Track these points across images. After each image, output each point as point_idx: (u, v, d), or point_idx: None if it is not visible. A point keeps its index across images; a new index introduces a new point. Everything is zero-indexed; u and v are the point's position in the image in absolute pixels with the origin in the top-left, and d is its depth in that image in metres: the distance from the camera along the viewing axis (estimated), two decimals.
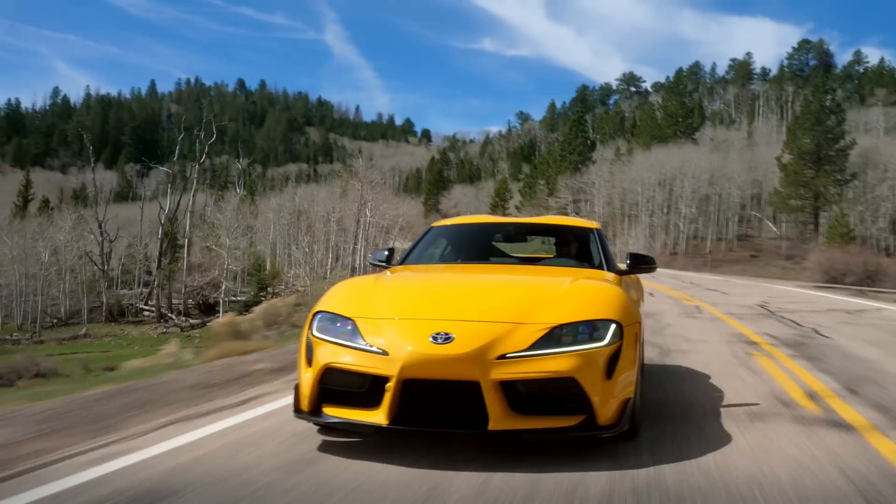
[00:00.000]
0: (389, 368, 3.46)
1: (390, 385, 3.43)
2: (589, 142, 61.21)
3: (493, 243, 5.65)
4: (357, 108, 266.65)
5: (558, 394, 3.49)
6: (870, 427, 4.40)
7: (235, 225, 38.01)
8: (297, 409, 3.77)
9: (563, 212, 52.56)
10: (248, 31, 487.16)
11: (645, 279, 8.25)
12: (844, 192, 56.64)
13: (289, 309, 13.67)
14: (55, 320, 33.30)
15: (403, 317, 3.75)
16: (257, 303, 34.29)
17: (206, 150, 39.52)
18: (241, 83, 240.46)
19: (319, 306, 4.00)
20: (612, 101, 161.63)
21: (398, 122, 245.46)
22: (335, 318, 3.84)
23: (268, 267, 45.31)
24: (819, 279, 31.53)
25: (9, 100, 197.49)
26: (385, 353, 3.52)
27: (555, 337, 3.54)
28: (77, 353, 18.84)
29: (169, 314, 31.44)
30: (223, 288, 32.71)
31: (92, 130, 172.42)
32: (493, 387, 3.38)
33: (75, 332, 29.12)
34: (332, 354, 3.67)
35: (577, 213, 54.25)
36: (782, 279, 33.85)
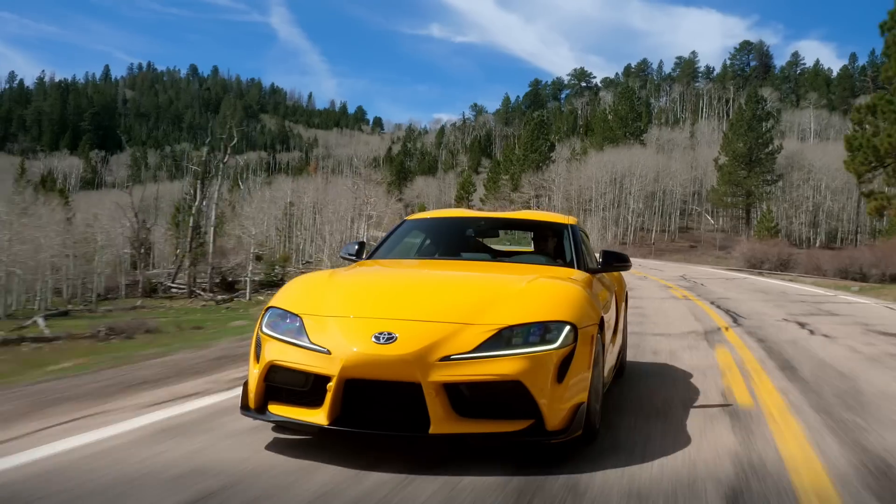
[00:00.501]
0: (331, 368, 3.41)
1: (331, 385, 3.39)
2: (549, 143, 68.38)
3: (474, 237, 5.63)
4: (310, 96, 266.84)
5: (504, 397, 3.43)
6: (707, 302, 11.38)
7: (260, 214, 43.64)
8: (244, 406, 3.72)
9: (526, 206, 59.46)
10: (191, 13, 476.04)
11: None
12: (772, 190, 64.69)
13: None
14: (98, 295, 38.81)
15: (348, 315, 3.71)
16: (271, 282, 40.46)
17: (229, 150, 45.14)
18: (193, 69, 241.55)
19: (272, 302, 4.00)
20: (563, 95, 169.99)
21: (350, 110, 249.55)
22: (285, 314, 3.81)
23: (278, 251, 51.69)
24: (741, 265, 39.02)
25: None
26: (328, 351, 3.48)
27: (503, 338, 3.48)
28: (147, 318, 23.30)
29: (198, 291, 37.33)
30: (250, 268, 38.88)
31: (51, 116, 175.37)
32: (435, 389, 3.33)
33: (125, 305, 34.68)
34: (278, 352, 3.66)
35: (539, 207, 61.14)
36: (711, 265, 41.49)
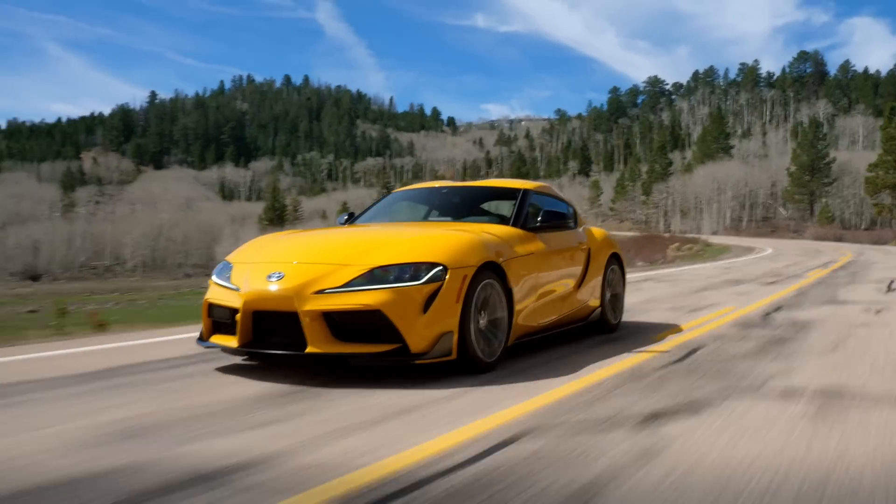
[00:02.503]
0: (238, 302, 4.32)
1: (238, 316, 4.28)
2: (668, 161, 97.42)
3: (444, 203, 6.37)
4: (391, 100, 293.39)
5: (370, 324, 4.12)
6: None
7: None
8: (199, 338, 4.76)
9: (655, 207, 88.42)
10: (238, 11, 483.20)
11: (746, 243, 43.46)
12: (829, 189, 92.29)
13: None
14: None
15: (256, 260, 4.65)
16: None
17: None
18: (287, 79, 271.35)
19: (228, 255, 5.01)
20: (639, 101, 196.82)
21: (427, 111, 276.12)
22: (227, 264, 4.82)
23: None
24: (812, 240, 67.79)
25: (120, 105, 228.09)
26: (237, 289, 4.42)
27: (375, 276, 4.19)
28: None
29: None
30: None
31: (196, 131, 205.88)
32: (311, 316, 4.09)
33: None
34: (213, 292, 4.66)
35: (664, 208, 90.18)
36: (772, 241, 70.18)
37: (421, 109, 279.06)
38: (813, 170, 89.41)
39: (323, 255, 4.54)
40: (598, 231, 6.97)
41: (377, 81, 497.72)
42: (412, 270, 4.24)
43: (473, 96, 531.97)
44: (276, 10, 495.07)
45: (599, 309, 6.51)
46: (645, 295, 10.96)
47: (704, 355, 5.35)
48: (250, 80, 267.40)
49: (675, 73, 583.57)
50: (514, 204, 5.81)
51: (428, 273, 4.23)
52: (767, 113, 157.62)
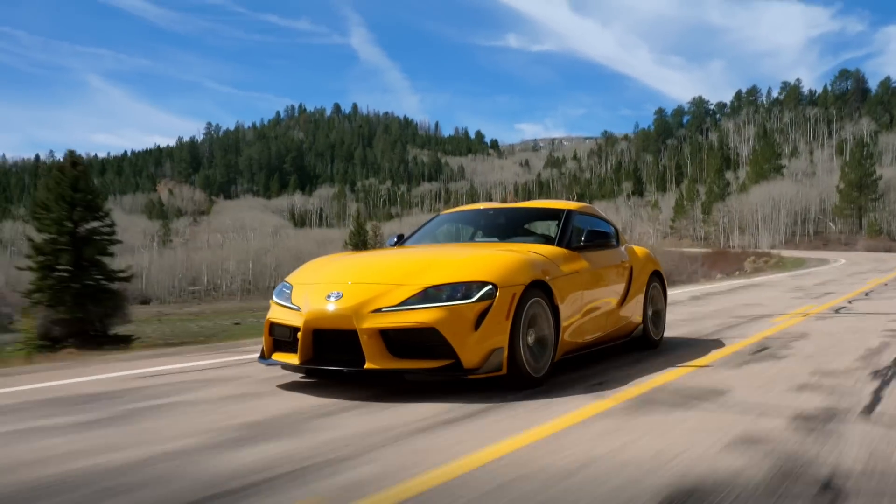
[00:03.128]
0: (299, 321, 4.57)
1: (300, 334, 4.54)
2: (725, 182, 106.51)
3: (490, 224, 6.59)
4: (437, 125, 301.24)
5: (425, 341, 4.34)
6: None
7: None
8: (261, 356, 5.06)
9: (716, 226, 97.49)
10: (274, 38, 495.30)
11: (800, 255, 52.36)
12: (876, 205, 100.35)
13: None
14: None
15: (315, 281, 4.93)
16: None
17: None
18: (336, 107, 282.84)
19: (287, 277, 5.31)
20: (685, 121, 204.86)
21: (471, 135, 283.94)
22: (286, 285, 5.12)
23: None
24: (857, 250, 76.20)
25: (189, 137, 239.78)
26: (299, 308, 4.67)
27: (429, 295, 4.43)
28: None
29: None
30: None
31: (259, 161, 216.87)
32: (369, 334, 4.33)
33: None
34: (275, 312, 4.93)
35: (723, 226, 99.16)
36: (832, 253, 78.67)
37: (466, 133, 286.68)
38: (861, 186, 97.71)
39: (378, 275, 4.81)
40: (639, 249, 7.13)
41: (412, 104, 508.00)
42: (464, 289, 4.45)
43: (507, 116, 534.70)
44: (310, 37, 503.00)
45: (642, 325, 6.68)
46: (795, 283, 19.81)
47: None
48: (302, 109, 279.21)
49: (709, 87, 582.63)
50: (559, 224, 6.04)
51: (479, 291, 4.43)
52: (811, 131, 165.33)
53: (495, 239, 6.23)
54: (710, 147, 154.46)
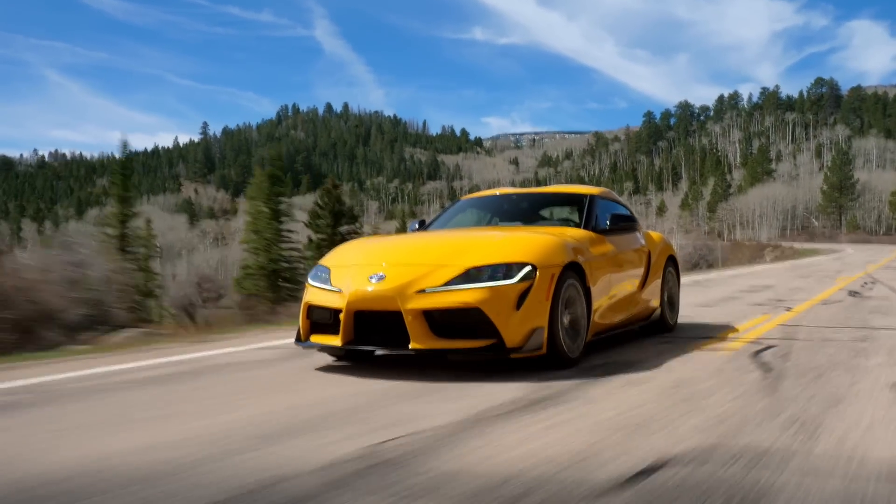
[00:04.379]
0: (341, 303, 4.64)
1: (342, 316, 4.61)
2: (727, 183, 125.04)
3: (512, 208, 6.73)
4: (424, 123, 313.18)
5: (469, 321, 4.43)
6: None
7: None
8: (297, 339, 5.14)
9: (720, 224, 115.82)
10: (236, 31, 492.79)
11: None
12: (854, 204, 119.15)
13: None
14: None
15: (357, 263, 4.96)
16: None
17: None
18: (328, 107, 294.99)
19: (320, 260, 5.39)
20: (672, 122, 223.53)
21: (457, 132, 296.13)
22: (322, 268, 5.16)
23: None
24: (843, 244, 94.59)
25: (201, 136, 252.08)
26: (340, 291, 4.72)
27: (471, 276, 4.51)
28: None
29: None
30: None
31: (274, 161, 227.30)
32: (413, 314, 4.42)
33: None
34: (313, 295, 5.00)
35: (726, 222, 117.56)
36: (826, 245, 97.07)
37: (452, 130, 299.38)
38: (841, 188, 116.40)
39: (417, 256, 4.90)
40: (655, 235, 7.30)
41: (377, 98, 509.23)
42: (505, 270, 4.54)
43: (473, 110, 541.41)
44: (272, 30, 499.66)
45: (659, 309, 6.86)
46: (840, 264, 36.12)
47: None
48: (296, 109, 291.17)
49: (675, 81, 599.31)
50: (583, 208, 6.21)
51: (519, 272, 4.53)
52: (790, 134, 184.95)
53: (519, 223, 6.36)
54: (703, 151, 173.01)
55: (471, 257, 4.67)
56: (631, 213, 6.92)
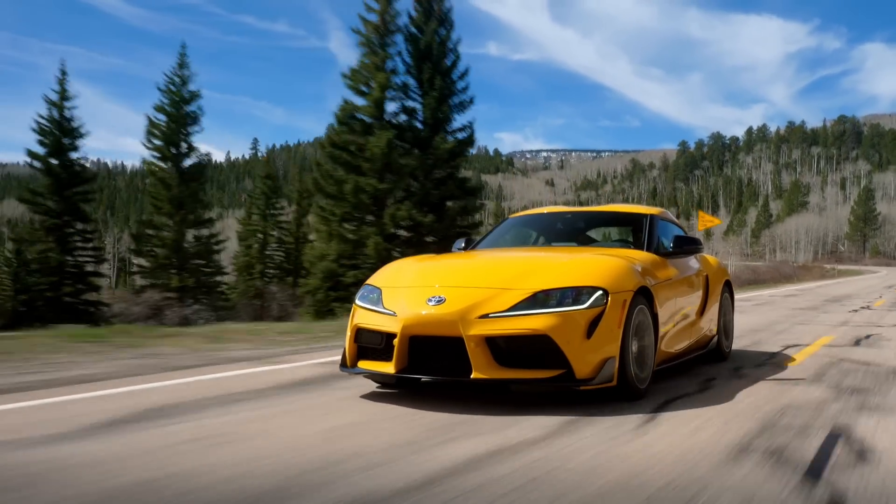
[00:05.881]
0: (395, 327, 4.33)
1: (396, 341, 4.31)
2: (769, 213, 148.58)
3: (566, 228, 6.49)
4: None
5: (536, 349, 4.16)
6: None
7: None
8: (342, 364, 4.80)
9: (764, 249, 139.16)
10: (250, 40, 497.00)
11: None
12: (877, 232, 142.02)
13: None
14: None
15: (412, 285, 4.68)
16: None
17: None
18: None
19: (367, 280, 5.05)
20: (705, 147, 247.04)
21: (490, 152, 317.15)
22: (371, 288, 4.83)
23: None
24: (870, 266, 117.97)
25: (252, 151, 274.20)
26: (394, 314, 4.41)
27: (538, 300, 4.24)
28: None
29: None
30: None
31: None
32: (475, 341, 4.13)
33: None
34: (362, 317, 4.66)
35: (770, 248, 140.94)
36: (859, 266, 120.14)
37: (486, 150, 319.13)
38: (865, 219, 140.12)
39: (478, 279, 4.62)
40: (712, 259, 7.05)
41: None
42: (574, 294, 4.29)
43: (487, 125, 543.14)
44: (288, 40, 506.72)
45: (716, 337, 6.61)
46: None
47: None
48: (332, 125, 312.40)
49: (687, 99, 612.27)
50: (643, 229, 5.91)
51: (590, 297, 4.28)
52: (815, 166, 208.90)
53: (573, 244, 6.13)
54: (740, 181, 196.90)
55: (537, 280, 4.43)
56: (691, 235, 6.17)
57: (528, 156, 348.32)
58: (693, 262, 6.28)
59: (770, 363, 6.64)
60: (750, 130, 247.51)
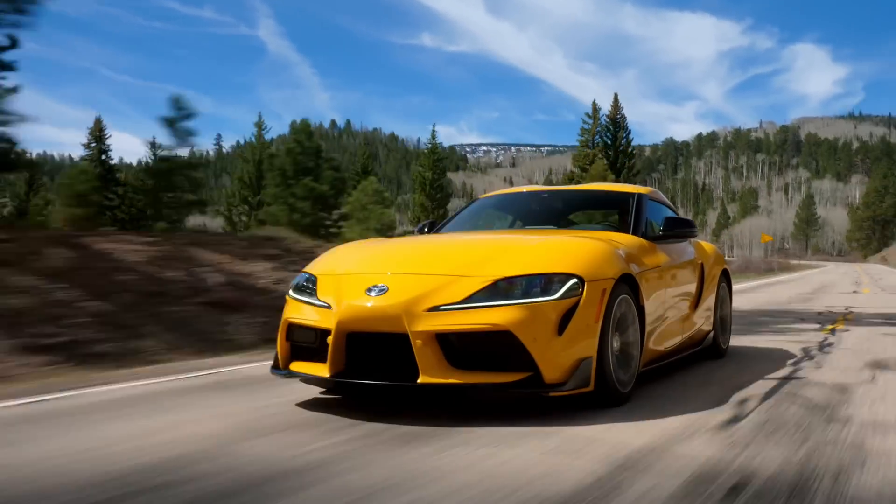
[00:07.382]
0: (330, 322, 3.67)
1: (330, 338, 3.64)
2: (727, 215, 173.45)
3: (543, 209, 5.89)
4: (419, 140, 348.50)
5: (497, 348, 3.54)
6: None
7: None
8: (273, 366, 4.15)
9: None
10: (176, 26, 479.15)
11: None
12: (817, 233, 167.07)
13: None
14: None
15: (352, 271, 4.01)
16: None
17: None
18: (332, 123, 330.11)
19: (306, 267, 4.41)
20: (658, 150, 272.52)
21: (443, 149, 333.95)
22: (308, 276, 4.18)
23: None
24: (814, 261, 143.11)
25: (216, 147, 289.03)
26: (328, 306, 3.77)
27: (499, 289, 3.61)
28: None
29: None
30: None
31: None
32: (423, 339, 3.49)
33: None
34: (294, 310, 4.03)
35: (723, 247, 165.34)
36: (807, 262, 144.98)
37: (442, 147, 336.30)
38: (808, 222, 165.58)
39: (430, 264, 4.00)
40: (707, 245, 6.52)
41: (322, 101, 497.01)
42: (542, 283, 3.69)
43: (421, 117, 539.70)
44: (215, 27, 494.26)
45: (712, 332, 6.11)
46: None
47: None
48: (304, 122, 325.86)
49: (622, 95, 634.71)
50: (630, 210, 5.33)
51: (563, 286, 3.68)
52: (760, 171, 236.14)
53: (552, 227, 5.48)
54: (695, 185, 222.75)
55: (499, 266, 3.80)
56: (684, 217, 5.57)
57: (467, 149, 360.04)
58: (687, 247, 5.71)
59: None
60: (699, 136, 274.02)
